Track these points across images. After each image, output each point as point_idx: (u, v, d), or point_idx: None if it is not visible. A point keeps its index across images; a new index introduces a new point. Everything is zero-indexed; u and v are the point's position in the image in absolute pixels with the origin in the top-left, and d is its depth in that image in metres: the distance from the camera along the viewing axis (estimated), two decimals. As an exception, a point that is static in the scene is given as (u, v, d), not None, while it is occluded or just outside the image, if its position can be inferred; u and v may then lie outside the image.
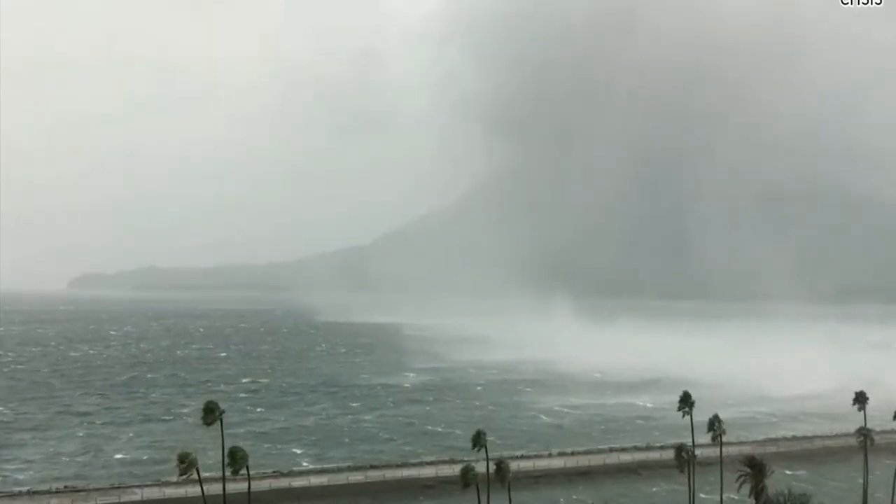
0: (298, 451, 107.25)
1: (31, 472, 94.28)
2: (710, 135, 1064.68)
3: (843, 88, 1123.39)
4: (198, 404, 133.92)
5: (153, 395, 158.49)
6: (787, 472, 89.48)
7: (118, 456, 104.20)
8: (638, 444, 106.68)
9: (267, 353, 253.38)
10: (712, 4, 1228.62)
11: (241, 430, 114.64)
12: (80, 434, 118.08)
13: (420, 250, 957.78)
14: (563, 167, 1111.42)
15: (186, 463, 54.92)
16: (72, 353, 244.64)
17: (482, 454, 64.20)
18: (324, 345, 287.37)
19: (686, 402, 72.03)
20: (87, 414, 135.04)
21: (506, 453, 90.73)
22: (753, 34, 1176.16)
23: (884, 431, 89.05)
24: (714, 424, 70.62)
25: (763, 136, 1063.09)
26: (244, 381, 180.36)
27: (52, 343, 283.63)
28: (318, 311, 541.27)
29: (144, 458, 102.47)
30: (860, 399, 77.90)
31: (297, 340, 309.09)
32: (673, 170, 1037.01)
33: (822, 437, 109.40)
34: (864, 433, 75.51)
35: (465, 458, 73.10)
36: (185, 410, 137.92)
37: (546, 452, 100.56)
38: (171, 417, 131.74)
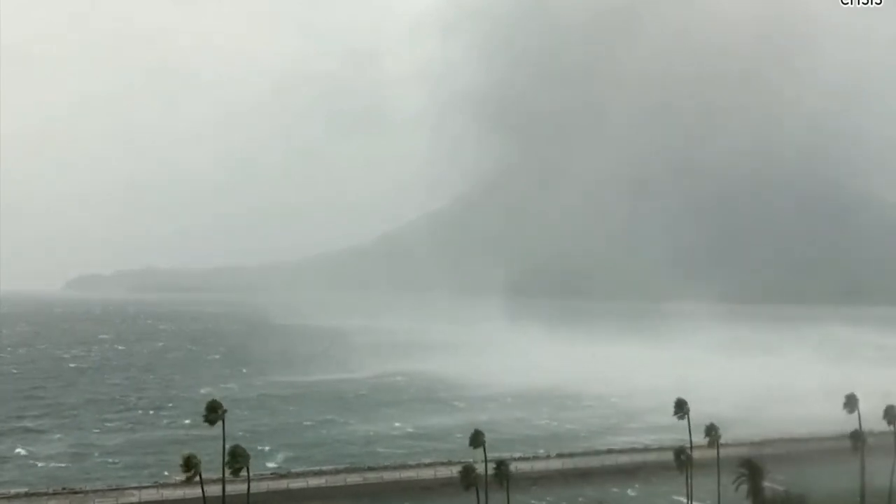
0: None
1: (28, 474, 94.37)
2: (707, 137, 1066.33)
3: (844, 88, 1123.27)
4: (188, 407, 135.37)
5: (145, 396, 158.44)
6: (784, 472, 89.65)
7: (112, 458, 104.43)
8: (636, 445, 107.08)
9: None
10: (712, 5, 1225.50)
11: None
12: (74, 436, 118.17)
13: (418, 251, 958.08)
14: (559, 167, 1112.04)
15: (191, 465, 54.98)
16: (65, 355, 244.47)
17: (479, 455, 64.46)
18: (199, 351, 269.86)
19: (681, 408, 72.73)
20: (79, 416, 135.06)
21: (504, 454, 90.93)
22: (752, 35, 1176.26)
23: (882, 433, 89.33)
24: (711, 430, 71.21)
25: (760, 139, 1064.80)
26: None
27: (45, 345, 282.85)
28: (291, 313, 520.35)
29: (138, 460, 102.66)
30: (850, 403, 78.48)
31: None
32: (669, 171, 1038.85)
33: (818, 439, 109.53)
34: (858, 434, 76.03)
35: (464, 460, 73.26)
36: (177, 412, 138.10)
37: (545, 454, 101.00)
38: (167, 420, 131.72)
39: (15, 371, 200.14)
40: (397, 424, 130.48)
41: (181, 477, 59.54)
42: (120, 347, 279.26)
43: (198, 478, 56.07)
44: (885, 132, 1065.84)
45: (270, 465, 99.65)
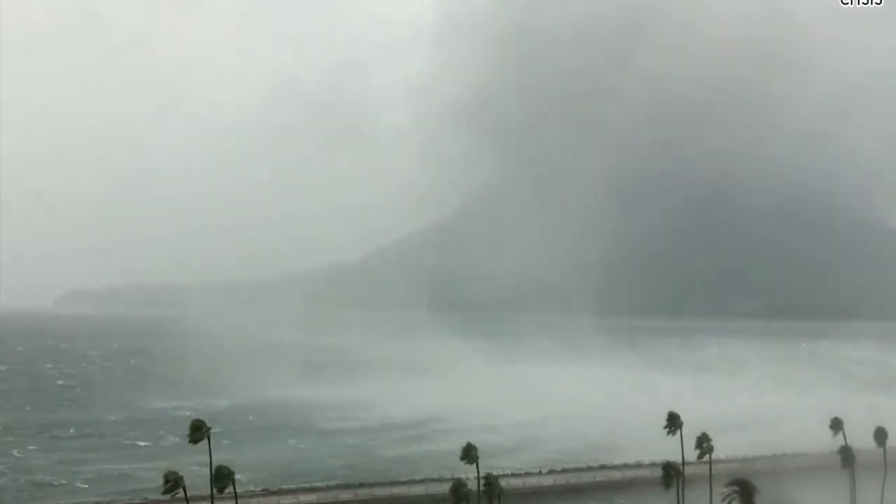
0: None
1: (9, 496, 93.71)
2: (701, 148, 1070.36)
3: (844, 90, 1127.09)
4: (165, 428, 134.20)
5: (128, 414, 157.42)
6: (773, 489, 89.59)
7: (92, 477, 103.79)
8: (628, 461, 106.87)
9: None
10: (710, 10, 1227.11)
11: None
12: (55, 455, 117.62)
13: (405, 268, 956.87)
14: (548, 182, 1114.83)
15: (172, 482, 54.62)
16: (45, 372, 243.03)
17: (471, 471, 64.30)
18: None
19: (674, 422, 72.86)
20: (59, 436, 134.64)
21: (496, 471, 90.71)
22: (751, 40, 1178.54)
23: (869, 450, 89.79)
24: (703, 443, 71.16)
25: (756, 150, 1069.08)
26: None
27: (28, 361, 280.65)
28: (258, 329, 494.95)
29: (121, 480, 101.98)
30: (836, 426, 79.07)
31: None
32: (659, 184, 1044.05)
33: (807, 456, 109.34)
34: (847, 451, 76.41)
35: (456, 476, 73.08)
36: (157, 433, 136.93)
37: (536, 470, 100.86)
38: (148, 442, 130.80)
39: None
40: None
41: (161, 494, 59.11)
42: (105, 364, 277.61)
43: (183, 495, 55.75)
44: (883, 134, 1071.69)
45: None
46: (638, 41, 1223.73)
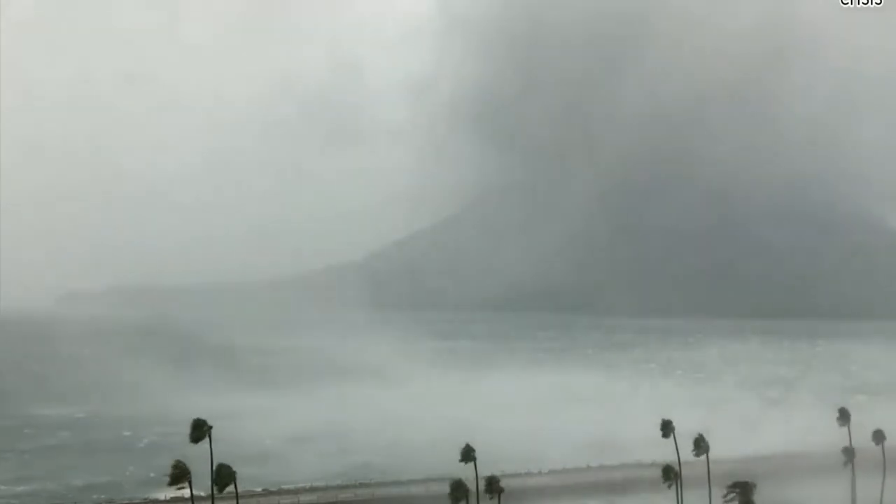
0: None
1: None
2: (703, 148, 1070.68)
3: (844, 92, 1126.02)
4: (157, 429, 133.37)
5: (123, 416, 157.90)
6: (772, 489, 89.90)
7: (89, 479, 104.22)
8: (626, 461, 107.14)
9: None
10: (712, 12, 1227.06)
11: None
12: (46, 458, 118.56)
13: (408, 269, 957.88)
14: (552, 181, 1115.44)
15: (180, 469, 54.90)
16: (45, 372, 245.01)
17: (470, 472, 64.67)
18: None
19: (667, 428, 73.38)
20: (47, 437, 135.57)
21: (495, 471, 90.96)
22: (752, 40, 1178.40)
23: (868, 449, 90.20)
24: (700, 443, 71.62)
25: (757, 150, 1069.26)
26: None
27: (23, 361, 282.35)
28: (239, 331, 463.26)
29: (115, 481, 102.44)
30: (844, 416, 79.30)
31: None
32: (662, 184, 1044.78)
33: (810, 454, 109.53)
34: (849, 451, 76.77)
35: (456, 476, 73.27)
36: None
37: (537, 471, 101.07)
38: (142, 444, 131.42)
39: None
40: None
41: (169, 490, 59.48)
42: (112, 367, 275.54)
43: (188, 488, 56.07)
44: (883, 134, 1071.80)
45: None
46: (637, 42, 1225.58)
